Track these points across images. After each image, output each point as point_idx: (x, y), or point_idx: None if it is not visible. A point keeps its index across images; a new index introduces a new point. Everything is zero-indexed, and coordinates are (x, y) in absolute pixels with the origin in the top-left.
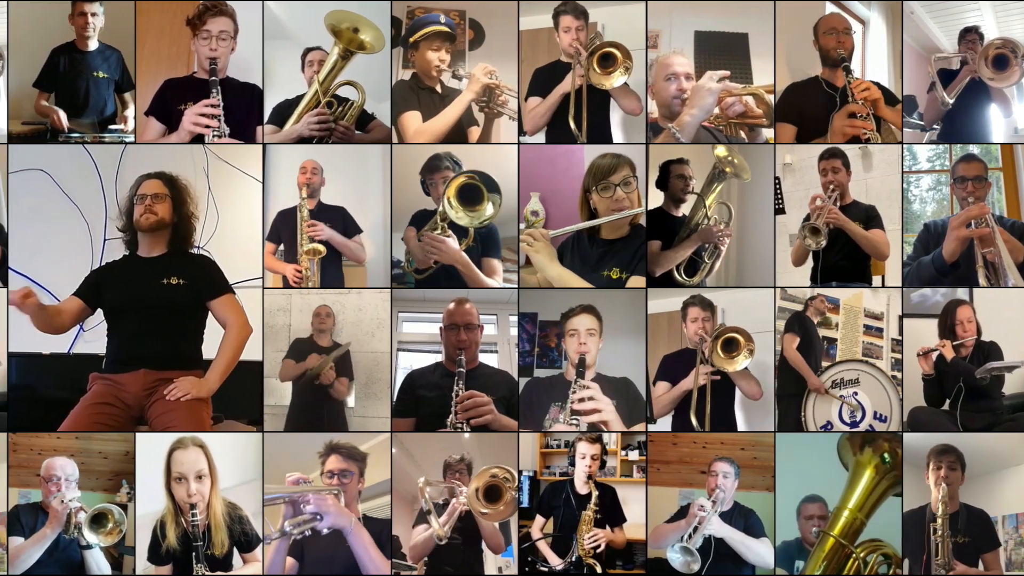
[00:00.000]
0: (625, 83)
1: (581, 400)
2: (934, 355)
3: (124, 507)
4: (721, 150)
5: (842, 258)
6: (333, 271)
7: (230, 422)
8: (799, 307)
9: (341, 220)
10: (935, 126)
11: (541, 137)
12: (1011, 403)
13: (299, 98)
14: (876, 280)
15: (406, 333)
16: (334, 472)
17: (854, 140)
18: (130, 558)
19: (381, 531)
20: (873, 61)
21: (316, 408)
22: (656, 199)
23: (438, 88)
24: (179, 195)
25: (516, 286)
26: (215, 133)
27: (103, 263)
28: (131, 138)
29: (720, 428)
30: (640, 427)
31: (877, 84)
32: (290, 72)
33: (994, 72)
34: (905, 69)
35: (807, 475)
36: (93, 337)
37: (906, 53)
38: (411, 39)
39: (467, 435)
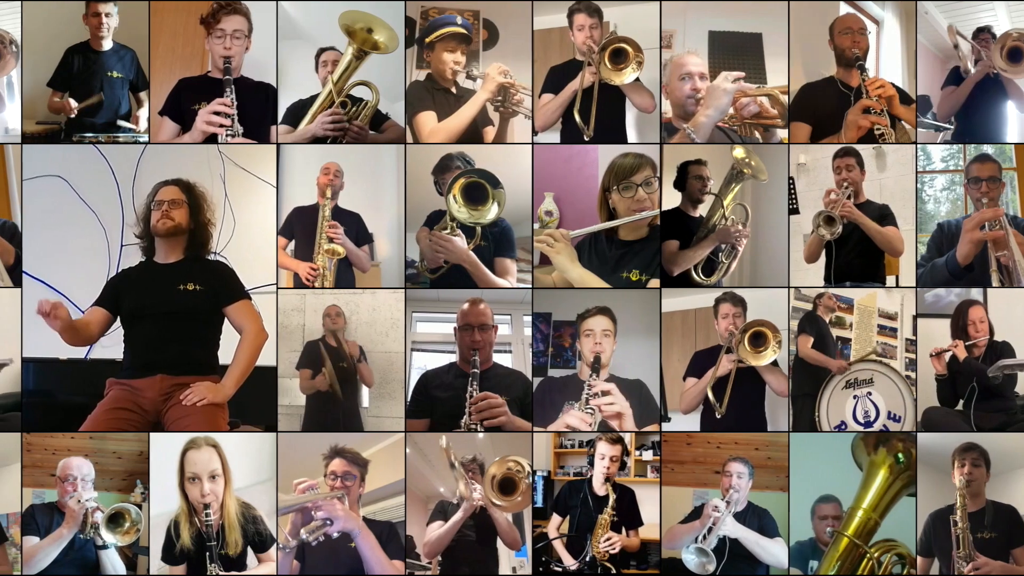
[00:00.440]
0: (637, 79)
1: (597, 395)
2: (947, 356)
3: (139, 507)
4: (739, 151)
5: (856, 257)
6: (346, 271)
7: (246, 427)
8: (810, 307)
9: (355, 227)
10: (948, 124)
11: (555, 136)
12: None
13: (313, 98)
14: (890, 280)
15: (420, 333)
16: (337, 474)
17: (868, 138)
18: (144, 558)
19: (381, 532)
20: (887, 61)
21: (331, 409)
22: (674, 199)
23: (453, 89)
24: (196, 202)
25: (530, 286)
26: (229, 132)
27: (120, 269)
28: (145, 138)
29: (749, 427)
30: (654, 427)
31: (892, 84)
32: (304, 72)
33: (1008, 64)
34: (919, 69)
35: (821, 475)
36: (110, 342)
37: (920, 53)
38: (427, 40)
39: (481, 435)
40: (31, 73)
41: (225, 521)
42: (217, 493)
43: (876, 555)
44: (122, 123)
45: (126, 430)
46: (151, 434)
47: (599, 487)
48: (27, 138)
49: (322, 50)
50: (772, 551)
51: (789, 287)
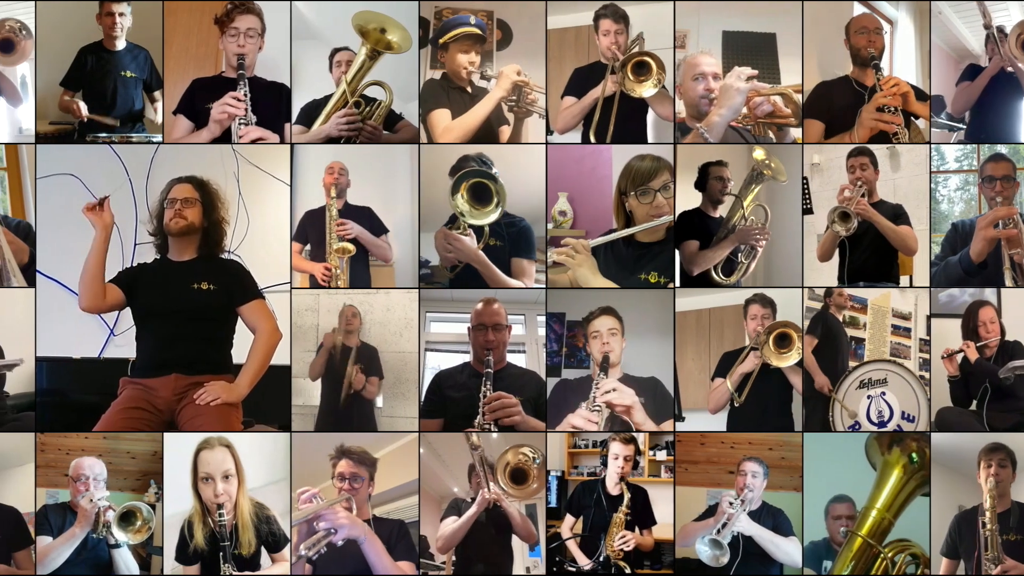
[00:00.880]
0: (663, 88)
1: (604, 392)
2: (958, 357)
3: (153, 507)
4: (759, 153)
5: (870, 256)
6: (360, 271)
7: (260, 427)
8: (821, 305)
9: (368, 220)
10: (962, 124)
11: (570, 137)
12: None
13: (327, 98)
14: (904, 280)
15: (434, 333)
16: (345, 476)
17: (882, 137)
18: (158, 558)
19: (391, 532)
20: (901, 61)
21: (345, 408)
22: (690, 199)
23: (468, 88)
24: (209, 200)
25: (544, 286)
26: (242, 122)
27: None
28: (158, 137)
29: (776, 427)
30: (668, 426)
31: (907, 81)
32: (318, 72)
33: (1023, 53)
34: (932, 69)
35: (835, 475)
36: (123, 342)
37: (934, 53)
38: (441, 41)
39: (495, 435)
40: (45, 73)
41: (239, 521)
42: (231, 493)
43: (890, 555)
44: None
45: (140, 429)
46: (165, 434)
47: (613, 487)
48: (40, 138)
49: (336, 50)
50: (786, 549)
51: (803, 287)
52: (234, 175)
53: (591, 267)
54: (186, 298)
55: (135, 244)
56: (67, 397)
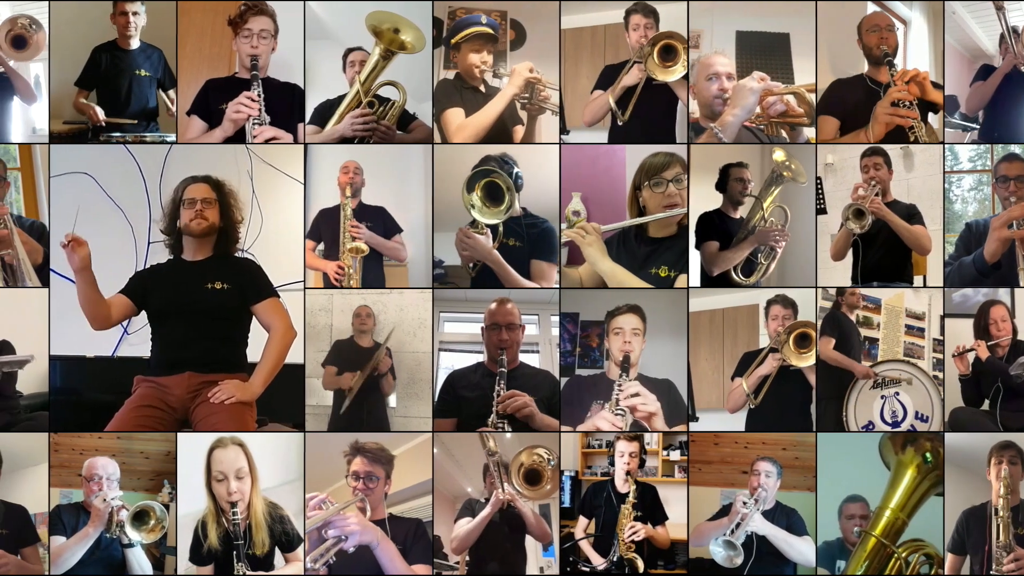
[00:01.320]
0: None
1: (629, 396)
2: (970, 356)
3: (166, 507)
4: (780, 154)
5: (884, 256)
6: (374, 271)
7: (274, 425)
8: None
9: (382, 220)
10: (975, 124)
11: (584, 136)
12: None
13: (340, 98)
14: (917, 280)
15: (447, 333)
16: (359, 475)
17: (895, 136)
18: (172, 558)
19: (409, 531)
20: (914, 61)
21: (358, 408)
22: (706, 199)
23: (481, 87)
24: (226, 200)
25: (558, 286)
26: (256, 121)
27: (147, 266)
28: (172, 136)
29: (795, 427)
30: (681, 427)
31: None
32: (331, 72)
33: None
34: (946, 69)
35: (849, 475)
36: (137, 340)
37: (947, 53)
38: (453, 40)
39: (509, 435)
40: (58, 72)
41: (252, 520)
42: (244, 492)
43: (904, 555)
44: (163, 98)
45: (153, 427)
46: (178, 434)
47: (621, 484)
48: (55, 137)
49: (349, 50)
50: (800, 548)
51: (817, 287)
52: (248, 174)
53: (600, 249)
54: (200, 298)
55: (148, 243)
56: (81, 396)
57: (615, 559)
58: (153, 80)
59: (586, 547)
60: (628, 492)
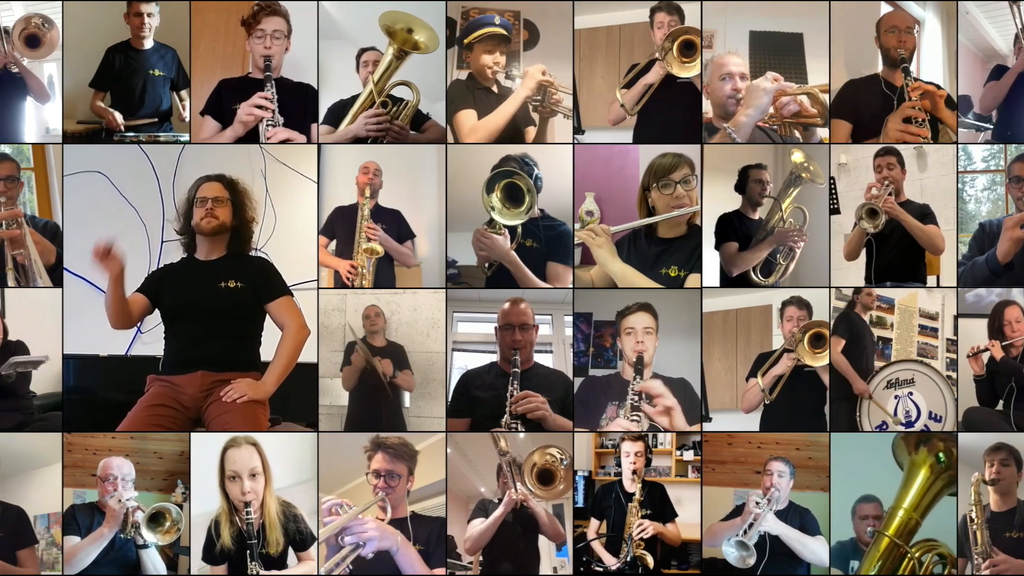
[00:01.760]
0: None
1: (643, 399)
2: (984, 356)
3: (180, 507)
4: (798, 156)
5: (897, 255)
6: (386, 271)
7: (287, 424)
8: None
9: (396, 223)
10: (988, 124)
11: (597, 137)
12: None
13: (354, 98)
14: (931, 280)
15: (461, 333)
16: (380, 472)
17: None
18: (185, 558)
19: (431, 531)
20: (928, 61)
21: (374, 408)
22: (727, 201)
23: (494, 88)
24: (239, 199)
25: (571, 286)
26: (269, 123)
27: (161, 265)
28: (185, 136)
29: (810, 428)
30: (695, 427)
31: (937, 86)
32: (344, 72)
33: None
34: (960, 69)
35: (862, 475)
36: (150, 339)
37: (961, 53)
38: (465, 40)
39: (522, 435)
40: (72, 72)
41: (266, 520)
42: (257, 491)
43: (917, 555)
44: (176, 102)
45: (166, 426)
46: (192, 434)
47: (629, 485)
48: (68, 137)
49: (363, 50)
50: (813, 548)
51: (830, 287)
52: (261, 172)
53: (610, 249)
54: (213, 296)
55: (162, 242)
56: (94, 395)
57: (628, 559)
58: (167, 80)
59: (598, 547)
60: (635, 492)
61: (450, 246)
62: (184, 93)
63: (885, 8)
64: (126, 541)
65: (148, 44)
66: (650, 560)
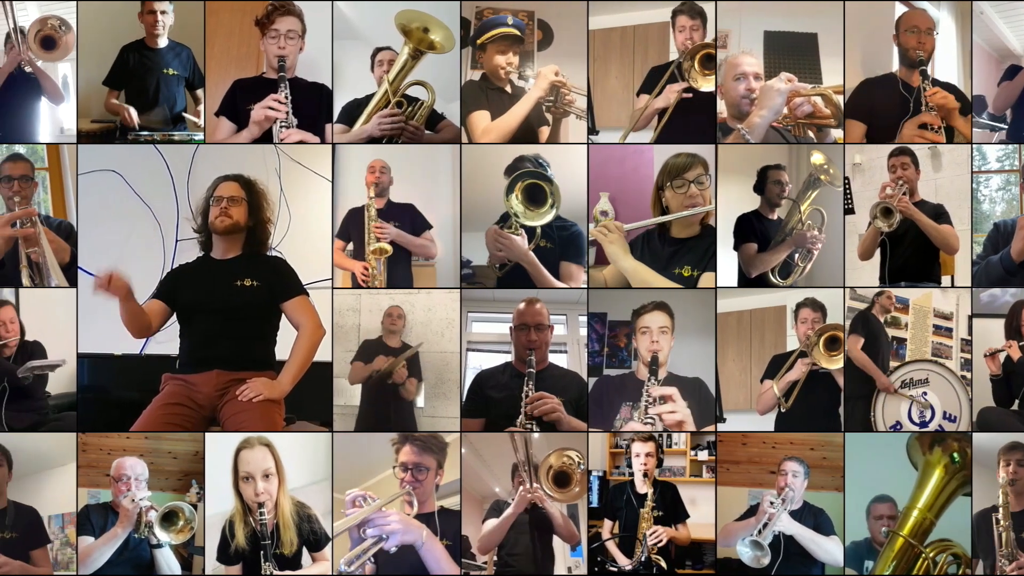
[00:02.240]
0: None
1: (657, 402)
2: (1001, 356)
3: (194, 507)
4: (818, 158)
5: (911, 255)
6: (402, 271)
7: (302, 423)
8: (866, 305)
9: (410, 217)
10: (1003, 124)
11: (611, 136)
12: None
13: (368, 98)
14: (945, 280)
15: (476, 333)
16: (408, 466)
17: None
18: (200, 558)
19: (459, 528)
20: (943, 61)
21: (385, 408)
22: (743, 202)
23: (508, 88)
24: (255, 199)
25: (586, 286)
26: (283, 124)
27: (175, 264)
28: (200, 135)
29: (824, 429)
30: (710, 428)
31: (952, 89)
32: (359, 72)
33: None
34: (974, 69)
35: (876, 475)
36: (165, 338)
37: (975, 53)
38: (479, 41)
39: (536, 436)
40: (86, 71)
41: (279, 520)
42: (271, 492)
43: (931, 555)
44: (187, 116)
45: (181, 425)
46: (206, 434)
47: (640, 485)
48: (82, 136)
49: (378, 50)
50: (827, 548)
51: (844, 287)
52: (276, 171)
53: (623, 247)
54: (229, 295)
55: (176, 241)
56: (109, 394)
57: (643, 559)
58: (181, 79)
59: (612, 548)
60: (647, 493)
61: (464, 246)
62: (199, 93)
63: (900, 8)
64: (140, 541)
65: (163, 43)
66: (663, 563)
